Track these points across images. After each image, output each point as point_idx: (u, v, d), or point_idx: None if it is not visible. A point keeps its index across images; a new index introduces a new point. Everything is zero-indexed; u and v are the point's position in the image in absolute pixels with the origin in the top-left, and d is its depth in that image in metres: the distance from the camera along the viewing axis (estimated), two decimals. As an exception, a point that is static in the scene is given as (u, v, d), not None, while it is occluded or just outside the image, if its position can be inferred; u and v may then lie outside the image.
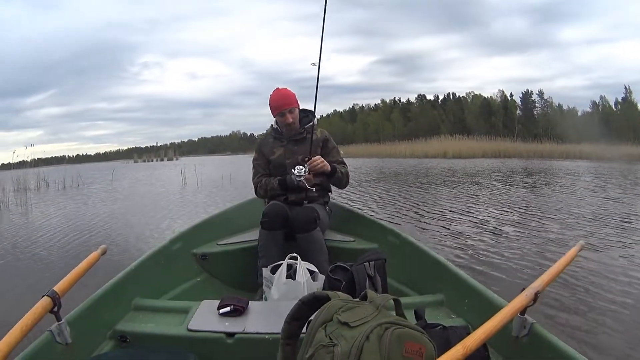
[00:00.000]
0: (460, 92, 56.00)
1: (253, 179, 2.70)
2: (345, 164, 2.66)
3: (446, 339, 1.32)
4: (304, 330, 1.23)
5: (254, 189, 2.72)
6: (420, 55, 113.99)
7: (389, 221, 4.87)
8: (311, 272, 2.12)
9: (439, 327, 1.41)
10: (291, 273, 2.07)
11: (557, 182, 10.63)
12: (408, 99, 60.78)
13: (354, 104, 71.95)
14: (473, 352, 1.05)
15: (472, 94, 53.67)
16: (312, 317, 1.17)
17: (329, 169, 2.48)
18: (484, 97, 51.65)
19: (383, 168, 18.87)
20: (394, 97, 64.34)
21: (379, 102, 64.31)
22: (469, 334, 1.16)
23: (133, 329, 1.66)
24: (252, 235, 2.64)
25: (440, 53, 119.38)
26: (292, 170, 2.39)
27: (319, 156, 2.46)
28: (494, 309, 1.34)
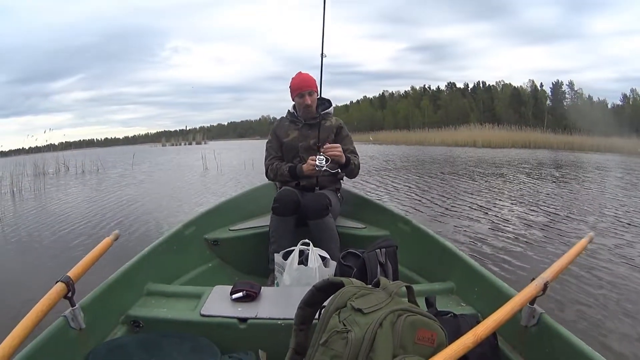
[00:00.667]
0: (490, 81, 55.40)
1: (265, 160, 2.73)
2: (356, 154, 2.67)
3: (457, 326, 1.33)
4: (316, 316, 1.25)
5: (264, 171, 2.74)
6: (449, 44, 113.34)
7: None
8: (323, 259, 2.13)
9: (450, 315, 1.43)
10: (303, 259, 2.09)
11: (587, 177, 9.99)
12: (438, 86, 60.40)
13: (383, 90, 71.72)
14: (483, 339, 1.07)
15: (502, 83, 52.94)
16: (325, 303, 1.18)
17: (344, 160, 2.49)
18: (514, 87, 50.94)
19: (409, 156, 18.29)
20: (424, 85, 64.03)
21: (409, 89, 64.09)
22: (478, 322, 1.18)
23: (146, 314, 1.67)
24: (264, 221, 2.66)
25: (469, 41, 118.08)
26: (315, 160, 2.40)
27: (338, 145, 2.48)
28: (504, 298, 1.36)
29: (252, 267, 2.54)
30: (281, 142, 2.68)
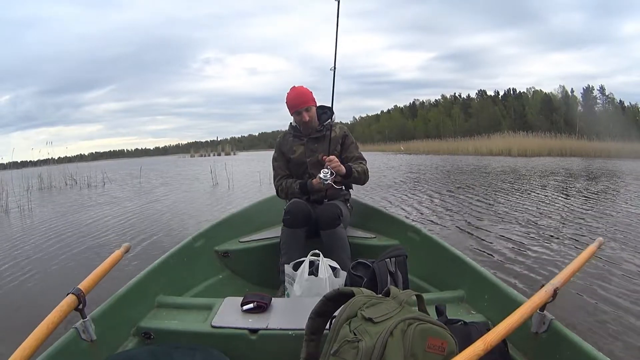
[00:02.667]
0: (520, 88, 54.95)
1: (274, 180, 2.73)
2: (363, 159, 2.66)
3: (467, 334, 1.33)
4: (327, 326, 1.26)
5: (275, 191, 2.75)
6: (478, 51, 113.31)
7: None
8: (333, 269, 2.14)
9: (460, 323, 1.43)
10: (313, 270, 2.10)
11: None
12: (468, 94, 60.30)
13: (414, 99, 71.87)
14: (493, 347, 1.08)
15: (532, 90, 52.45)
16: (336, 313, 1.19)
17: (344, 170, 2.47)
18: (545, 93, 50.41)
19: (439, 166, 17.31)
20: (454, 93, 64.00)
21: (439, 97, 64.10)
22: (489, 329, 1.18)
23: (157, 325, 1.68)
24: (274, 233, 2.68)
25: (498, 49, 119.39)
26: (319, 174, 2.40)
27: (333, 157, 2.46)
28: (514, 304, 1.36)
29: (263, 278, 2.55)
30: (288, 159, 2.68)
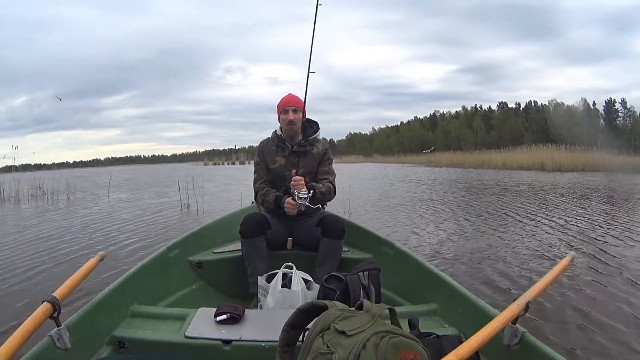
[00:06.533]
0: (541, 101, 55.50)
1: (255, 183, 2.73)
2: (332, 173, 2.68)
3: (440, 347, 1.34)
4: (300, 338, 1.25)
5: (254, 195, 2.75)
6: (498, 65, 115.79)
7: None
8: (306, 281, 2.15)
9: (433, 336, 1.44)
10: (286, 282, 2.10)
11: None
12: (489, 106, 60.95)
13: (434, 110, 72.55)
14: (466, 360, 1.08)
15: (554, 102, 52.94)
16: (309, 326, 1.19)
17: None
18: (567, 106, 50.85)
19: (461, 181, 15.45)
20: (475, 105, 64.67)
21: (460, 109, 64.82)
22: (461, 342, 1.19)
23: (131, 335, 1.67)
24: None
25: (518, 62, 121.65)
26: (297, 192, 2.43)
27: (300, 178, 2.48)
28: (486, 318, 1.38)
29: (236, 289, 2.53)
30: (267, 167, 2.68)
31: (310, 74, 2.65)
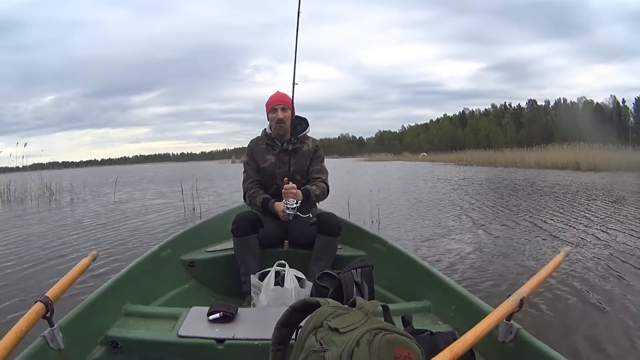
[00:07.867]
0: (570, 99, 55.35)
1: (244, 183, 2.71)
2: (325, 172, 2.69)
3: (434, 344, 1.34)
4: (293, 336, 1.25)
5: (243, 195, 2.73)
6: (527, 62, 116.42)
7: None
8: (299, 279, 2.14)
9: (427, 333, 1.43)
10: (279, 280, 2.09)
11: None
12: (519, 104, 60.60)
13: (464, 108, 72.36)
14: (460, 357, 1.07)
15: (583, 100, 52.55)
16: (302, 323, 1.18)
17: (301, 196, 2.49)
18: (597, 103, 50.53)
19: (510, 184, 13.32)
20: (505, 102, 64.41)
21: (489, 107, 64.64)
22: (455, 339, 1.18)
23: (124, 334, 1.66)
24: None
25: (546, 60, 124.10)
26: (286, 202, 2.43)
27: (293, 185, 2.47)
28: (480, 314, 1.37)
29: (229, 288, 2.52)
30: (258, 167, 2.67)
31: (295, 85, 2.56)
